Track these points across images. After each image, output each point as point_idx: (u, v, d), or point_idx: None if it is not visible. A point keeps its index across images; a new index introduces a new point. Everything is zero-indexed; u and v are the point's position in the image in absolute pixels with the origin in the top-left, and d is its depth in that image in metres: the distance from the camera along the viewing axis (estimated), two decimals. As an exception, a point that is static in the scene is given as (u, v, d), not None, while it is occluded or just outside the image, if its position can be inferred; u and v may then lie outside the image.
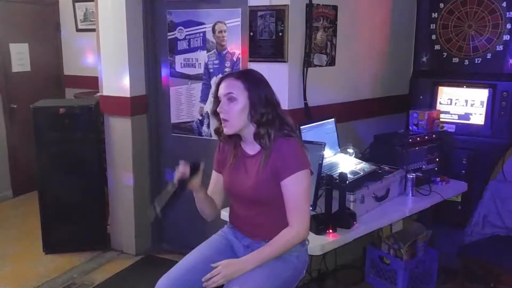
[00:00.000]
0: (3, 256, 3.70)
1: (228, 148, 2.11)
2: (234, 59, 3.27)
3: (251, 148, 2.04)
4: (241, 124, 1.96)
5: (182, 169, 1.94)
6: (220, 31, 3.30)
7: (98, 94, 3.75)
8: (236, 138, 2.06)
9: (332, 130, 3.01)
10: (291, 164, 1.94)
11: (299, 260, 2.07)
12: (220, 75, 3.31)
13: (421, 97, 3.56)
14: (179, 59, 3.50)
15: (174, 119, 3.60)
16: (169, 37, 3.51)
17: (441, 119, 3.34)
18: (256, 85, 1.96)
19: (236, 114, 1.94)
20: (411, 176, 2.88)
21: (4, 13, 4.75)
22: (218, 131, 2.06)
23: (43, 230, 3.69)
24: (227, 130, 1.97)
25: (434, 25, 3.50)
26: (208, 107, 3.43)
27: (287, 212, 1.96)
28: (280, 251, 1.98)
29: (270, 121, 1.95)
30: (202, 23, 3.37)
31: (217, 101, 2.00)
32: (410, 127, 3.32)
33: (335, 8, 3.19)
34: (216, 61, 3.36)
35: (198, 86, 3.47)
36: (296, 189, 1.94)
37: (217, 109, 1.96)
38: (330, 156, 2.88)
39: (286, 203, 1.96)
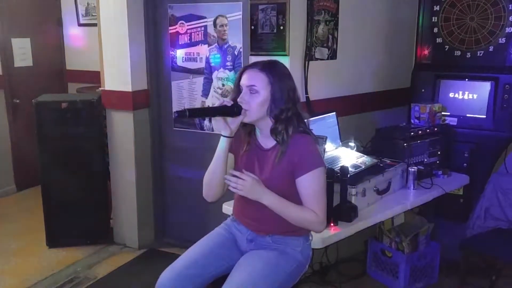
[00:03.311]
0: (7, 250, 3.72)
1: (242, 133, 2.08)
2: (236, 53, 3.27)
3: (266, 141, 2.04)
4: (260, 115, 1.96)
5: (226, 101, 1.95)
6: (222, 25, 3.29)
7: (100, 88, 3.76)
8: (251, 126, 2.06)
9: (334, 123, 3.01)
10: (307, 162, 1.93)
11: (303, 255, 2.08)
12: (222, 69, 3.35)
13: (423, 90, 3.55)
14: (180, 53, 3.49)
15: (176, 113, 3.60)
16: (170, 31, 3.50)
17: (442, 112, 3.33)
18: (280, 79, 1.94)
19: (257, 106, 1.93)
20: (412, 170, 2.88)
21: (6, 8, 4.75)
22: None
23: (47, 224, 3.71)
24: (246, 118, 1.97)
25: (436, 18, 3.49)
26: (210, 101, 3.43)
27: (307, 206, 1.95)
28: (294, 220, 1.97)
29: (288, 118, 1.94)
30: (203, 17, 3.36)
31: (237, 90, 1.99)
32: (412, 121, 3.32)
33: (336, 1, 3.18)
34: (218, 55, 3.35)
35: (199, 80, 3.46)
36: (313, 186, 1.94)
37: (238, 100, 1.94)
38: (332, 149, 2.89)
39: (303, 199, 1.96)
